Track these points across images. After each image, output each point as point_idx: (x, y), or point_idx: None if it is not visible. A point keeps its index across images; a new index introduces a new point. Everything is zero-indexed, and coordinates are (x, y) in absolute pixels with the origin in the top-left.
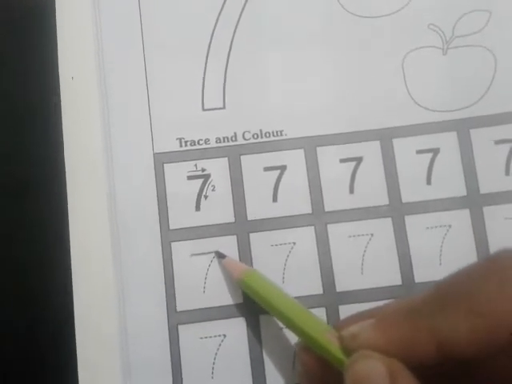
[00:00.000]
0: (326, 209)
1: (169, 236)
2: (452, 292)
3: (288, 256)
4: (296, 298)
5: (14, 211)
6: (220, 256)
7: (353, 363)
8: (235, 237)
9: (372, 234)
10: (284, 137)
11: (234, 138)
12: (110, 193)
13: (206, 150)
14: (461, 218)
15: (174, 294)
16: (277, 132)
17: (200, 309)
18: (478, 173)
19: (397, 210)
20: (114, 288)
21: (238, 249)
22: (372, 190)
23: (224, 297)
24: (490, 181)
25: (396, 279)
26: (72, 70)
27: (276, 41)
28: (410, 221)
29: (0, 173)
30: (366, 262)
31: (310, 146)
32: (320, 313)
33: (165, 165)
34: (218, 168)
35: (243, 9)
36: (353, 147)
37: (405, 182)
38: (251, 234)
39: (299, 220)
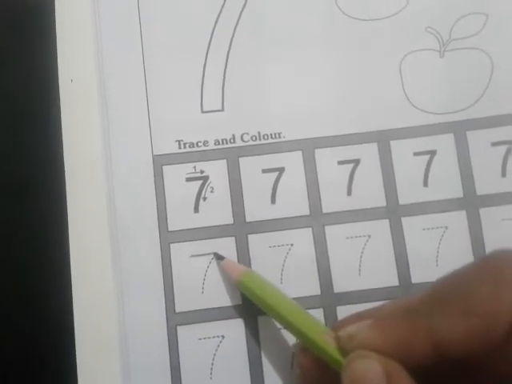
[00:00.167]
0: (324, 210)
1: (168, 237)
2: (448, 292)
3: (286, 257)
4: (294, 298)
5: (13, 212)
6: (218, 258)
7: (350, 363)
8: (234, 238)
9: (369, 236)
10: (282, 139)
11: (232, 140)
12: (109, 194)
13: (204, 152)
14: (457, 220)
15: (173, 295)
16: (275, 134)
17: (199, 310)
18: (474, 174)
19: (394, 212)
20: (113, 289)
21: (237, 250)
22: (369, 191)
23: (222, 298)
24: (487, 182)
25: (393, 280)
26: (71, 73)
27: (274, 44)
28: (407, 222)
29: (0, 174)
30: (364, 264)
31: (308, 148)
32: (318, 314)
33: (164, 167)
34: (216, 170)
35: (242, 11)
36: (350, 149)
37: (402, 184)
38: (249, 236)
39: (297, 221)
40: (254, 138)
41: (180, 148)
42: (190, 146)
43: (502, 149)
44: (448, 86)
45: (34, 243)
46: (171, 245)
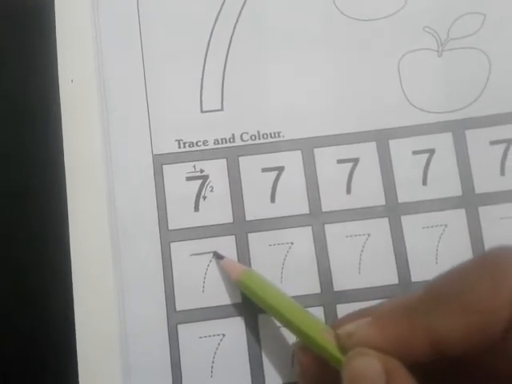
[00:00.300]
0: (324, 209)
1: (168, 236)
2: (446, 290)
3: (286, 256)
4: (294, 297)
5: (14, 212)
6: (218, 257)
7: (349, 360)
8: (234, 237)
9: (369, 234)
10: (281, 138)
11: (232, 140)
12: (110, 194)
13: (204, 152)
14: (456, 218)
15: (174, 294)
16: (274, 133)
17: (199, 308)
18: (473, 173)
19: (393, 210)
20: (113, 288)
21: (237, 249)
22: (369, 190)
23: (223, 296)
24: (485, 181)
25: (393, 278)
26: (71, 73)
27: (273, 44)
28: (407, 221)
29: (1, 177)
30: (363, 262)
31: (308, 147)
32: (318, 312)
33: (164, 166)
34: (216, 169)
35: (241, 11)
36: (349, 148)
37: (401, 183)
38: (249, 234)
39: (297, 220)
40: (253, 138)
41: (180, 147)
42: (189, 146)
43: (501, 147)
44: (446, 85)
45: (35, 243)
46: (171, 244)
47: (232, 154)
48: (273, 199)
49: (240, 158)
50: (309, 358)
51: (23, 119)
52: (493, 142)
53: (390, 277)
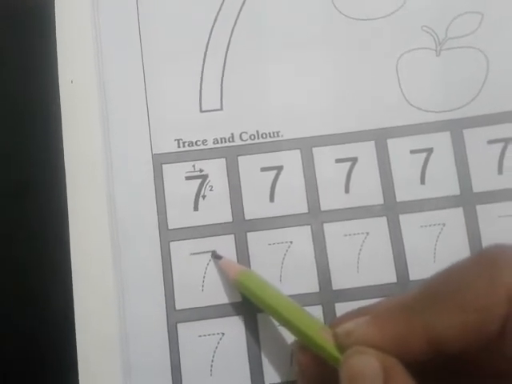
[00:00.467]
0: (322, 208)
1: (167, 236)
2: (443, 288)
3: (285, 255)
4: (293, 295)
5: (14, 212)
6: (216, 257)
7: (347, 359)
8: (233, 236)
9: (367, 233)
10: (280, 138)
11: (231, 139)
12: (110, 193)
13: (203, 151)
14: (454, 217)
15: (173, 293)
16: (273, 133)
17: (199, 307)
18: (471, 172)
19: (391, 209)
20: (113, 287)
21: (236, 248)
22: (367, 189)
23: (222, 295)
24: (483, 180)
25: (391, 277)
26: (71, 73)
27: (272, 43)
28: (405, 219)
29: (1, 175)
30: (362, 261)
31: (306, 146)
32: (316, 310)
33: (163, 165)
34: (215, 168)
35: (240, 11)
36: (348, 148)
37: (399, 182)
38: (249, 234)
39: (296, 219)
40: (252, 137)
41: (179, 147)
42: (189, 145)
43: (498, 146)
44: (444, 84)
45: (35, 243)
46: (171, 243)
47: (231, 153)
48: (272, 198)
49: (239, 158)
50: (307, 358)
51: (23, 119)
52: (490, 141)
53: (388, 275)
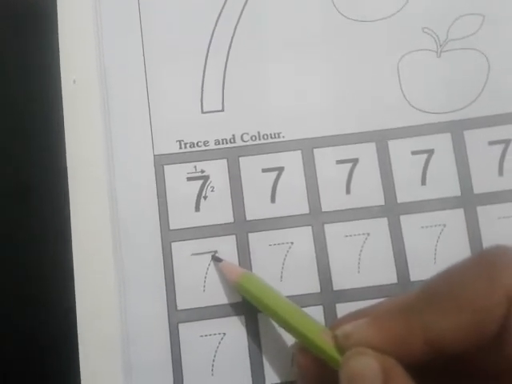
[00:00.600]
0: (323, 209)
1: (169, 236)
2: (442, 289)
3: (286, 255)
4: (294, 296)
5: (15, 212)
6: (216, 260)
7: (347, 360)
8: (234, 237)
9: (368, 234)
10: (282, 139)
11: (232, 140)
12: (111, 194)
13: (205, 152)
14: (455, 218)
15: (175, 293)
16: (275, 134)
17: (200, 307)
18: (471, 173)
19: (392, 210)
20: (115, 287)
21: (237, 248)
22: (368, 190)
23: (223, 296)
24: (484, 181)
25: (392, 278)
26: (74, 74)
27: (274, 45)
28: (406, 220)
29: (2, 175)
30: (363, 261)
31: (307, 147)
32: (317, 311)
33: (165, 166)
34: (217, 169)
35: (242, 13)
36: (349, 149)
37: (400, 183)
38: (250, 234)
39: (297, 220)
40: (253, 138)
41: (181, 148)
42: (190, 146)
43: (499, 148)
44: (445, 85)
45: (36, 243)
46: (172, 243)
47: (232, 154)
48: (273, 199)
49: (240, 159)
50: (307, 360)
51: (25, 120)
52: (491, 143)
53: (389, 276)
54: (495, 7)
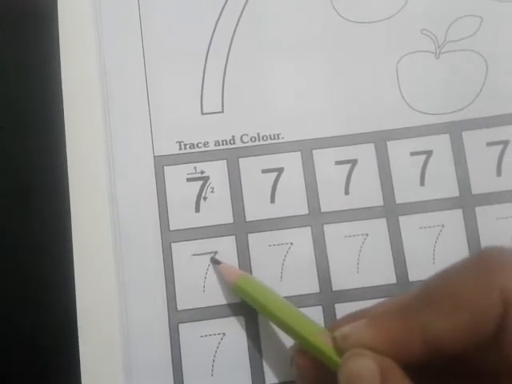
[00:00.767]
0: (323, 210)
1: (169, 237)
2: (439, 289)
3: (285, 256)
4: (293, 296)
5: (16, 213)
6: (215, 262)
7: (345, 362)
8: (234, 237)
9: (367, 234)
10: (281, 140)
11: (232, 141)
12: (112, 195)
13: (205, 153)
14: (453, 218)
15: (175, 294)
16: (274, 135)
17: (200, 308)
18: (470, 174)
19: (391, 211)
20: (115, 288)
21: (237, 249)
22: (367, 191)
23: (223, 296)
24: (482, 182)
25: (391, 278)
26: (74, 77)
27: (273, 46)
28: (404, 221)
29: (2, 175)
30: (362, 262)
31: (307, 148)
32: (316, 311)
33: (165, 167)
34: (216, 170)
35: (241, 15)
36: (348, 150)
37: (399, 184)
38: (250, 235)
39: (296, 221)
40: (253, 139)
41: (181, 149)
42: (190, 147)
43: (497, 148)
44: (444, 87)
45: (37, 243)
46: (172, 244)
47: (232, 155)
48: (272, 200)
49: (240, 160)
50: (306, 361)
51: (25, 120)
52: (489, 144)
53: (387, 276)
54: (493, 9)
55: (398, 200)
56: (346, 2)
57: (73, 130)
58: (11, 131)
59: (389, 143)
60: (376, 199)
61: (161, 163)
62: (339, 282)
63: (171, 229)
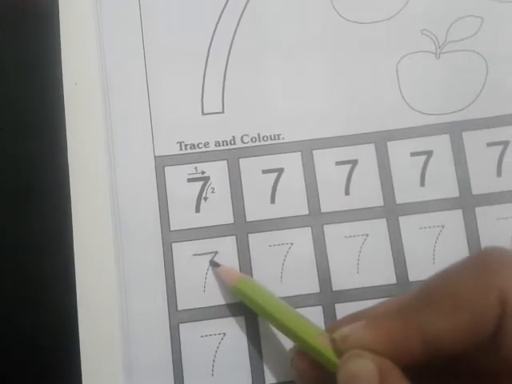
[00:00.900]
0: (323, 210)
1: (170, 237)
2: (438, 289)
3: (286, 256)
4: (293, 296)
5: (17, 213)
6: (214, 265)
7: (344, 363)
8: (234, 237)
9: (367, 235)
10: (281, 140)
11: (232, 142)
12: (113, 195)
13: (205, 153)
14: (454, 219)
15: (175, 294)
16: (274, 136)
17: (200, 308)
18: (470, 174)
19: (391, 211)
20: (116, 288)
21: (237, 249)
22: (367, 191)
23: (224, 296)
24: (482, 182)
25: (391, 278)
26: (75, 76)
27: (273, 47)
28: (404, 221)
29: (3, 175)
30: (362, 262)
31: (307, 149)
32: (317, 311)
33: (166, 167)
34: (217, 171)
35: (242, 15)
36: (348, 150)
37: (399, 184)
38: (250, 235)
39: (296, 221)
40: (253, 140)
41: (181, 149)
42: (191, 148)
43: (497, 149)
44: (444, 87)
45: (38, 243)
46: (173, 244)
47: (233, 155)
48: (273, 200)
49: (240, 160)
50: (305, 363)
51: (26, 120)
52: (489, 144)
53: (387, 276)
54: (494, 9)
55: (398, 200)
56: (347, 3)
57: (74, 130)
58: (11, 131)
59: (389, 143)
60: (376, 199)
61: (161, 163)
62: (339, 282)
63: (172, 229)
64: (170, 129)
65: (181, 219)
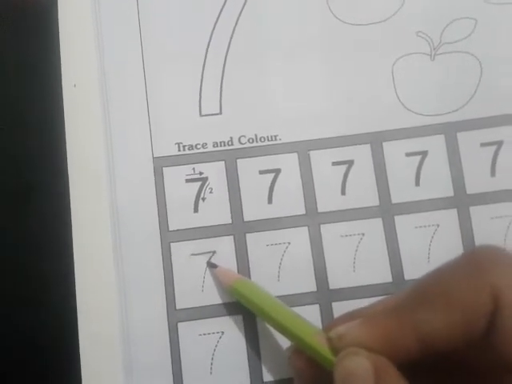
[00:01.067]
0: (319, 210)
1: (168, 237)
2: (432, 287)
3: (283, 255)
4: (290, 295)
5: (16, 213)
6: (212, 266)
7: (340, 361)
8: (232, 237)
9: (363, 234)
10: (278, 141)
11: (230, 143)
12: (112, 195)
13: (203, 154)
14: (448, 218)
15: (174, 293)
16: (271, 137)
17: (199, 307)
18: (464, 174)
19: (387, 211)
20: (115, 287)
21: (235, 249)
22: (363, 191)
23: (222, 295)
24: (476, 182)
25: (387, 277)
26: (74, 78)
27: (271, 48)
28: (400, 221)
29: (2, 175)
30: (358, 261)
31: (304, 149)
32: (314, 310)
33: (164, 168)
34: (215, 171)
35: (239, 17)
36: (344, 151)
37: (394, 184)
38: (247, 235)
39: (293, 221)
40: (251, 141)
41: (179, 150)
42: (189, 149)
43: (491, 149)
44: (439, 88)
45: (37, 244)
46: (172, 244)
47: (230, 156)
48: (270, 200)
49: (238, 161)
50: (302, 361)
51: (25, 120)
52: (484, 144)
53: (383, 275)
54: (487, 11)
55: (394, 200)
56: (342, 4)
57: (73, 131)
58: (11, 131)
59: (384, 144)
60: (372, 199)
61: (160, 164)
62: (336, 281)
63: (170, 229)
64: (169, 130)
65: (179, 219)
